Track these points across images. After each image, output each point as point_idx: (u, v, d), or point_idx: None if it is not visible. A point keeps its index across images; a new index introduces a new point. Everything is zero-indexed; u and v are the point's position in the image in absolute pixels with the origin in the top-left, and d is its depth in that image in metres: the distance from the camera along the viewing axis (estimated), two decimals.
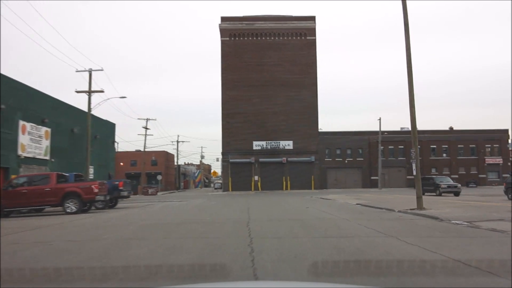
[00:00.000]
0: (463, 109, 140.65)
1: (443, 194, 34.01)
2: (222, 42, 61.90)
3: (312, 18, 62.98)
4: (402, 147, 64.23)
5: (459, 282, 4.99)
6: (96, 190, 19.03)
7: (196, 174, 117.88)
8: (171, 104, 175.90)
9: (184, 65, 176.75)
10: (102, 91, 35.45)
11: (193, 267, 5.99)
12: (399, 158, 64.23)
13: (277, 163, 58.82)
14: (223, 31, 61.82)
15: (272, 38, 61.87)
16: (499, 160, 65.57)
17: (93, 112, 36.41)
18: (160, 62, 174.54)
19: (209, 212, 18.39)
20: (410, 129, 61.03)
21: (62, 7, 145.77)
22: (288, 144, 59.80)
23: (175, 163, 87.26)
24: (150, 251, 7.19)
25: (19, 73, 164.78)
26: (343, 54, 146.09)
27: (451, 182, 35.70)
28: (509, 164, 67.00)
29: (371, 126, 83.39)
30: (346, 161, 63.10)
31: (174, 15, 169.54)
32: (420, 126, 63.75)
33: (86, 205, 19.98)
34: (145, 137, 61.36)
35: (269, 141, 59.76)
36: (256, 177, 58.84)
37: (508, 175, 31.77)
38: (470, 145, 65.63)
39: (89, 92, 34.93)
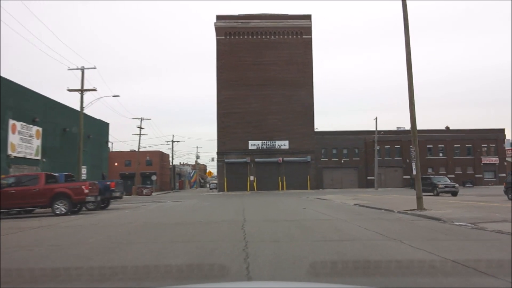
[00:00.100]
0: (460, 109, 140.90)
1: (440, 194, 33.62)
2: (218, 41, 61.33)
3: (308, 17, 62.54)
4: (399, 146, 63.98)
5: None
6: (86, 191, 18.43)
7: (191, 175, 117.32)
8: (166, 104, 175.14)
9: (179, 64, 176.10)
10: (94, 90, 34.79)
11: (181, 273, 5.49)
12: (395, 158, 63.95)
13: (273, 163, 58.32)
14: (218, 30, 61.25)
15: (268, 36, 61.38)
16: (495, 159, 65.43)
17: (86, 111, 35.77)
18: (154, 62, 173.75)
19: (203, 213, 17.86)
20: (406, 128, 60.79)
21: (53, 4, 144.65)
22: (284, 144, 59.33)
23: (170, 163, 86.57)
24: (135, 258, 6.65)
25: (9, 70, 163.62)
26: (340, 54, 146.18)
27: (449, 182, 35.34)
28: (505, 163, 66.87)
29: (367, 126, 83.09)
30: (342, 161, 62.70)
31: (170, 13, 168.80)
32: (417, 126, 63.29)
33: (76, 206, 19.39)
34: (140, 136, 60.70)
35: (265, 141, 59.26)
36: (251, 177, 58.33)
37: (508, 175, 31.42)
38: (467, 145, 65.46)
39: (82, 91, 34.25)
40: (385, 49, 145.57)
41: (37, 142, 32.11)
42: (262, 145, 59.22)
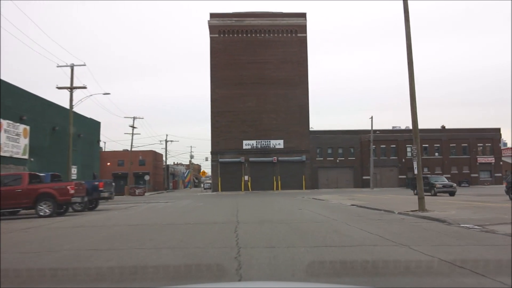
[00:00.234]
0: (456, 108, 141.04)
1: (438, 194, 32.95)
2: (211, 39, 60.49)
3: (303, 15, 61.87)
4: (394, 146, 63.44)
5: None
6: (72, 191, 17.54)
7: (185, 174, 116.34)
8: (160, 103, 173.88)
9: (174, 63, 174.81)
10: (84, 87, 33.88)
11: None
12: (391, 158, 63.40)
13: (267, 163, 57.57)
14: (212, 28, 60.42)
15: (262, 35, 60.63)
16: (491, 159, 65.04)
17: (78, 110, 34.93)
18: (149, 61, 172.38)
19: (195, 214, 17.04)
20: (402, 128, 60.20)
21: (43, 2, 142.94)
22: (278, 143, 58.60)
23: (164, 163, 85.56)
24: (111, 268, 5.84)
25: None
26: (338, 54, 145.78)
27: (447, 182, 34.70)
28: (501, 163, 66.53)
29: (364, 126, 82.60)
30: (337, 161, 62.03)
31: (165, 11, 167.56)
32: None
33: (62, 208, 18.50)
34: (132, 136, 59.73)
35: (260, 140, 58.48)
36: (246, 177, 57.55)
37: (509, 175, 30.85)
38: (462, 144, 65.03)
39: (71, 88, 33.34)
40: (383, 50, 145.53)
41: (24, 141, 31.13)
42: (256, 144, 58.45)
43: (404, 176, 61.98)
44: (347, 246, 7.52)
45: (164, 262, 6.23)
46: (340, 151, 62.33)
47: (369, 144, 57.79)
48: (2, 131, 28.33)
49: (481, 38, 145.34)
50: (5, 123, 28.64)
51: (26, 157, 31.38)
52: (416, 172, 16.03)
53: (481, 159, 64.96)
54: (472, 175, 64.40)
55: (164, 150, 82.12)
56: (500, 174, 66.00)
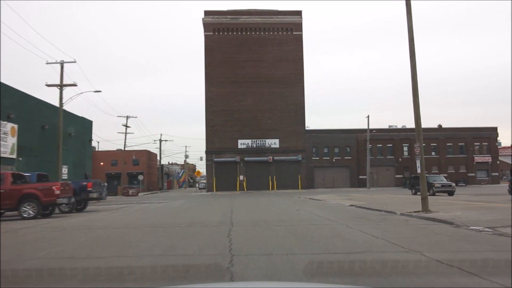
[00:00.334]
0: (454, 108, 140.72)
1: (436, 193, 32.27)
2: (206, 37, 59.60)
3: (299, 13, 61.10)
4: (391, 145, 62.85)
5: None
6: (57, 192, 16.66)
7: (180, 174, 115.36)
8: (154, 103, 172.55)
9: (168, 62, 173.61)
10: (75, 85, 32.89)
11: None
12: (387, 157, 62.78)
13: (263, 162, 56.76)
14: (206, 26, 59.53)
15: (258, 33, 59.81)
16: (488, 158, 64.56)
17: (70, 109, 34.02)
18: (143, 60, 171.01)
19: (187, 215, 16.21)
20: (398, 127, 59.53)
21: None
22: (274, 143, 57.81)
23: (158, 163, 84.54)
24: (82, 281, 5.02)
25: None
26: (337, 54, 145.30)
27: (445, 181, 34.04)
28: (498, 162, 66.09)
29: (361, 125, 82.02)
30: (333, 160, 61.31)
31: (159, 9, 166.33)
32: (409, 124, 61.82)
33: (47, 209, 17.61)
34: (125, 135, 58.66)
35: (255, 140, 57.67)
36: (241, 177, 56.72)
37: (507, 174, 30.28)
38: (459, 143, 64.51)
39: (61, 86, 32.38)
40: (383, 50, 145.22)
41: (12, 140, 30.15)
42: (252, 144, 57.64)
43: (401, 176, 61.40)
44: (353, 253, 6.74)
45: (145, 275, 5.42)
46: (336, 150, 61.63)
47: (365, 143, 57.14)
48: None
49: (480, 38, 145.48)
50: None
51: (14, 156, 30.40)
52: (419, 171, 15.30)
53: (478, 158, 64.48)
54: (469, 174, 63.90)
55: (158, 150, 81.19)
56: (497, 174, 65.57)
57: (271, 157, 56.75)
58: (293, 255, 6.68)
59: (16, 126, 30.52)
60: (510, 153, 74.91)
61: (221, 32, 59.52)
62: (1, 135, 28.90)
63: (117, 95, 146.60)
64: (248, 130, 57.65)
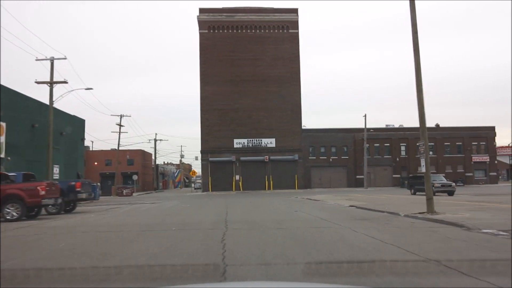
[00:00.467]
0: (452, 108, 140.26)
1: (436, 193, 31.52)
2: (201, 35, 58.71)
3: (295, 11, 60.32)
4: (388, 145, 62.19)
5: None
6: (42, 193, 15.77)
7: (176, 174, 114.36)
8: (150, 103, 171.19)
9: (163, 61, 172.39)
10: (65, 82, 32.02)
11: None
12: (385, 156, 62.11)
13: (259, 162, 55.92)
14: (201, 23, 58.63)
15: (253, 31, 58.96)
16: (486, 158, 64.00)
17: (61, 107, 33.02)
18: (137, 59, 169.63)
19: (180, 217, 15.35)
20: (395, 126, 58.80)
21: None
22: (270, 142, 56.97)
23: (153, 163, 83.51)
24: None
25: None
26: (337, 54, 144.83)
27: (445, 181, 33.39)
28: (496, 162, 65.58)
29: (358, 125, 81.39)
30: (330, 160, 60.54)
31: (154, 7, 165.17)
32: (406, 124, 61.23)
33: (33, 210, 16.71)
34: (119, 134, 57.70)
35: (251, 139, 56.80)
36: (237, 177, 55.86)
37: (504, 174, 29.66)
38: (457, 143, 63.93)
39: (51, 83, 31.49)
40: (382, 50, 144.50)
41: (0, 139, 29.13)
42: (248, 143, 56.78)
43: (398, 176, 60.75)
44: (364, 263, 5.92)
45: None
46: (333, 149, 60.87)
47: (362, 142, 56.44)
48: None
49: (480, 38, 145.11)
50: None
51: (2, 155, 29.37)
52: (424, 170, 14.52)
53: (476, 158, 63.93)
54: (467, 174, 63.33)
55: (153, 149, 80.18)
56: (495, 173, 65.07)
57: (267, 156, 55.93)
58: (295, 264, 5.87)
59: (4, 124, 29.52)
60: (507, 153, 74.37)
61: (217, 30, 58.66)
62: None
63: (111, 94, 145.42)
64: (244, 129, 56.80)
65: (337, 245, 7.65)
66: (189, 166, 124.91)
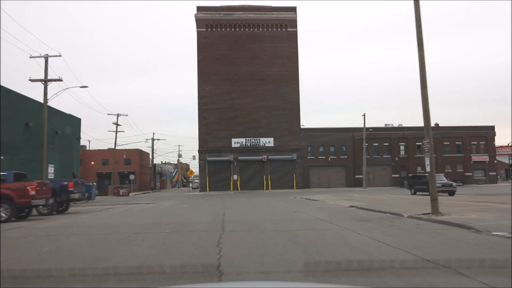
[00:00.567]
0: (452, 108, 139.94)
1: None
2: (198, 33, 58.10)
3: (293, 9, 59.79)
4: (387, 144, 61.72)
5: None
6: (32, 193, 15.20)
7: (173, 174, 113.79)
8: (146, 102, 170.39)
9: (161, 60, 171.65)
10: (60, 80, 31.42)
11: None
12: (384, 156, 61.63)
13: (257, 162, 55.40)
14: (199, 22, 58.04)
15: (252, 29, 58.40)
16: (485, 157, 63.59)
17: (57, 106, 32.41)
18: (134, 58, 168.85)
19: (175, 218, 14.82)
20: (394, 125, 58.16)
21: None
22: (268, 141, 56.43)
23: (151, 162, 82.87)
24: None
25: None
26: (337, 54, 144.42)
27: (446, 181, 32.90)
28: (495, 162, 65.18)
29: (358, 124, 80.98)
30: (329, 159, 60.03)
31: (151, 5, 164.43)
32: (405, 123, 60.73)
33: (23, 211, 16.15)
34: (116, 133, 57.07)
35: (249, 138, 56.24)
36: (235, 176, 55.30)
37: (503, 173, 29.23)
38: (456, 142, 63.51)
39: (45, 81, 30.91)
40: (382, 49, 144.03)
41: None
42: (246, 142, 56.22)
43: (397, 175, 60.30)
44: (372, 270, 5.41)
45: None
46: (332, 149, 60.36)
47: (361, 142, 55.96)
48: None
49: (480, 38, 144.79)
50: None
51: None
52: (428, 169, 14.02)
53: (475, 158, 63.52)
54: (466, 173, 62.90)
55: (150, 149, 79.57)
56: (494, 173, 64.67)
57: (265, 156, 55.39)
58: (298, 273, 5.35)
59: None
60: (507, 153, 73.98)
61: (214, 29, 58.09)
62: None
63: (109, 94, 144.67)
64: (242, 128, 56.25)
65: (341, 249, 7.14)
66: (187, 165, 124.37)
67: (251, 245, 7.73)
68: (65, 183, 19.42)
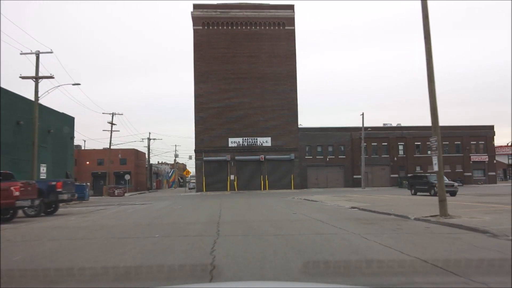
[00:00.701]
0: (451, 107, 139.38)
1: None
2: (195, 31, 57.24)
3: (291, 7, 58.99)
4: (386, 144, 61.03)
5: None
6: (16, 193, 14.35)
7: (170, 174, 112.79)
8: (142, 101, 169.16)
9: (156, 59, 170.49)
10: (51, 77, 30.63)
11: None
12: (382, 156, 60.92)
13: (254, 161, 54.56)
14: (195, 19, 57.16)
15: (249, 27, 57.57)
16: (484, 157, 62.99)
17: (51, 105, 31.51)
18: (130, 57, 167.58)
19: (167, 221, 14.00)
20: (393, 125, 57.39)
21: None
22: (266, 141, 55.60)
23: (147, 162, 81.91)
24: None
25: None
26: (337, 54, 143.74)
27: (447, 181, 32.07)
28: (495, 162, 64.59)
29: (357, 124, 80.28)
30: (327, 159, 59.28)
31: (147, 3, 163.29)
32: (404, 123, 59.95)
33: (8, 213, 15.28)
34: (111, 133, 56.22)
35: (246, 138, 55.39)
36: (232, 176, 54.45)
37: (501, 173, 28.60)
38: (455, 142, 62.88)
39: (36, 78, 30.07)
40: (382, 49, 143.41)
41: None
42: (243, 142, 55.37)
43: (396, 175, 59.63)
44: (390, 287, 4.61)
45: None
46: (330, 149, 59.61)
47: (360, 141, 55.25)
48: None
49: (479, 37, 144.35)
50: None
51: None
52: (436, 168, 13.26)
53: (475, 157, 62.90)
54: (466, 174, 62.29)
55: (146, 149, 78.62)
56: (493, 173, 64.08)
57: (262, 156, 54.57)
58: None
59: None
60: (507, 152, 73.40)
61: (211, 27, 57.23)
62: None
63: (105, 93, 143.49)
64: (239, 128, 55.40)
65: (349, 257, 6.34)
66: (184, 165, 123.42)
67: (249, 253, 6.91)
68: (53, 183, 18.54)
